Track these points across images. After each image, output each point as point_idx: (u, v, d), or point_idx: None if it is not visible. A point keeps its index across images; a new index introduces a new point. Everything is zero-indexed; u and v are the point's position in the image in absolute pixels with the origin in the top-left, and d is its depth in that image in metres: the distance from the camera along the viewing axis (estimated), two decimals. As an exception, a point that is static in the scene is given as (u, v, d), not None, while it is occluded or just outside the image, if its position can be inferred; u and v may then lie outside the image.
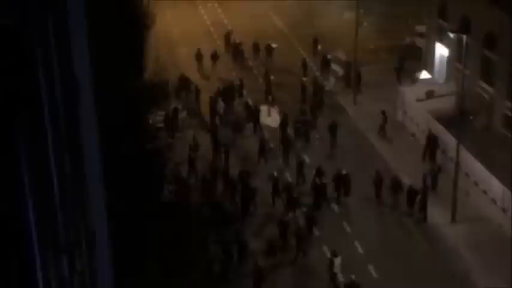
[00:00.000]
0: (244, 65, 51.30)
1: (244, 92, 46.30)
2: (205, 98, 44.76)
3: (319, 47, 52.06)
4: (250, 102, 44.57)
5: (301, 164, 37.29)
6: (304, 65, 49.03)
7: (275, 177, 35.49)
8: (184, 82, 45.93)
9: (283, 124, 41.06)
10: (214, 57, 50.56)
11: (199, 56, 50.82)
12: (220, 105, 43.30)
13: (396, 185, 35.17)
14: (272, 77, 46.75)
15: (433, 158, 38.17)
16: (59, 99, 8.44)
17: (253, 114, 42.35)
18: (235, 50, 52.00)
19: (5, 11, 6.17)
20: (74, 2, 10.71)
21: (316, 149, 40.55)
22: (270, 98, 45.06)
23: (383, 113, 41.25)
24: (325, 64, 48.86)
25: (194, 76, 49.40)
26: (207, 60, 50.91)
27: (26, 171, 7.26)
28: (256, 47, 51.58)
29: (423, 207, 34.16)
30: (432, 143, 38.47)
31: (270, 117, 43.43)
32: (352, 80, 46.14)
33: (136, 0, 33.67)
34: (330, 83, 47.59)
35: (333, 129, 40.57)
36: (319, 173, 35.56)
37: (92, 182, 11.04)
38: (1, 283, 7.68)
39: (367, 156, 39.59)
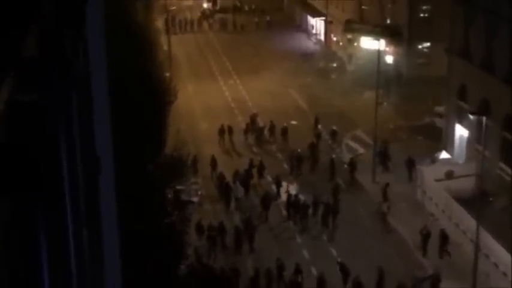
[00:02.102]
0: (265, 146, 51.28)
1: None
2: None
3: (319, 126, 52.27)
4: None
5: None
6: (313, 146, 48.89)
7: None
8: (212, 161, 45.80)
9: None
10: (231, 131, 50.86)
11: (222, 132, 50.99)
12: (239, 189, 42.70)
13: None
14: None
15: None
16: (80, 174, 8.55)
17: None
18: (259, 133, 51.69)
19: (29, 87, 6.33)
20: (98, 79, 10.95)
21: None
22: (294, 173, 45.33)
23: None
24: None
25: (214, 151, 49.82)
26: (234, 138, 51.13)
27: (43, 245, 7.31)
28: (284, 130, 51.29)
29: None
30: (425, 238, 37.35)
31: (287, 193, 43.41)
32: (372, 158, 46.18)
33: (158, 75, 34.21)
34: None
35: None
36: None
37: (110, 257, 11.07)
38: None
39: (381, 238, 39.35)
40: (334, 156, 47.66)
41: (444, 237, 36.43)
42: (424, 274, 34.06)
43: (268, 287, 33.83)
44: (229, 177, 43.57)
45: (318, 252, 37.55)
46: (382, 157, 46.60)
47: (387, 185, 41.67)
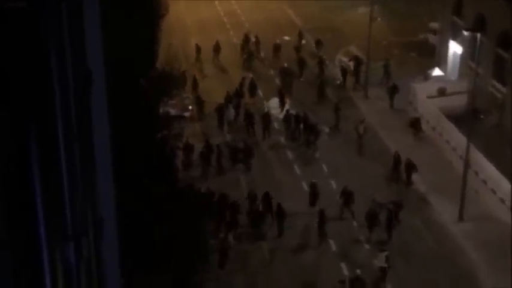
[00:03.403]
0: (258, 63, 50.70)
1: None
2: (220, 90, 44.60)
3: (303, 41, 52.15)
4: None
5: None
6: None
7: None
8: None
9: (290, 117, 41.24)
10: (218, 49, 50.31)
11: (216, 48, 50.36)
12: (230, 112, 42.38)
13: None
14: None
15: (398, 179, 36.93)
16: (71, 86, 8.43)
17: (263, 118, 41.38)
18: (248, 53, 50.65)
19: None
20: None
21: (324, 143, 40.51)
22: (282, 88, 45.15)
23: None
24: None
25: (205, 65, 49.44)
26: (224, 52, 50.50)
27: (35, 159, 7.27)
28: (276, 47, 50.68)
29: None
30: (396, 164, 37.10)
31: (279, 109, 43.40)
32: (365, 75, 46.04)
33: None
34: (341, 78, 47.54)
35: (337, 111, 41.60)
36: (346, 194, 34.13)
37: (102, 170, 11.05)
38: (7, 268, 7.71)
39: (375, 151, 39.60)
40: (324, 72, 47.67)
41: (411, 166, 36.33)
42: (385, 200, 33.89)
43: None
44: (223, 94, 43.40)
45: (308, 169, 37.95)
46: (386, 74, 46.36)
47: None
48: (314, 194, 34.10)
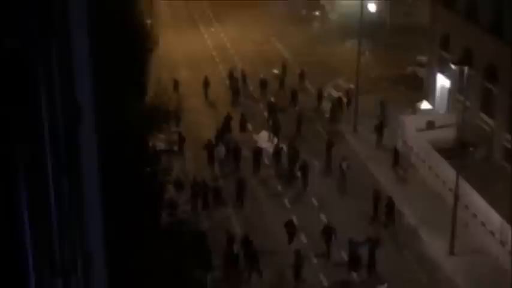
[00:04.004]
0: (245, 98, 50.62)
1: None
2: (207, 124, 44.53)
3: (306, 81, 52.22)
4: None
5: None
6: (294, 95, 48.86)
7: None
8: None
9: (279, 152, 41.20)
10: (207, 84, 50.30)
11: (206, 83, 50.32)
12: (221, 149, 41.87)
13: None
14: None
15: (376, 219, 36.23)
16: (60, 120, 8.40)
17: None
18: (235, 89, 50.46)
19: (7, 32, 6.14)
20: (77, 23, 10.71)
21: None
22: (270, 122, 45.10)
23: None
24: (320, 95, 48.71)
25: (193, 100, 49.48)
26: (213, 87, 50.46)
27: (23, 191, 7.19)
28: (263, 82, 50.59)
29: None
30: (376, 201, 36.42)
31: (269, 143, 43.39)
32: (353, 108, 46.17)
33: (139, 22, 33.76)
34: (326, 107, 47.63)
35: (329, 148, 41.26)
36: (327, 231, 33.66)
37: (90, 204, 10.99)
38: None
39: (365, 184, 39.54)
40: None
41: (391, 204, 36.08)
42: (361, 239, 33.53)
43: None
44: (212, 129, 43.28)
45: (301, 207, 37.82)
46: (382, 111, 46.22)
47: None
48: (291, 233, 33.84)
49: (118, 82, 21.86)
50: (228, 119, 44.28)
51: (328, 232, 33.30)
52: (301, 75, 51.98)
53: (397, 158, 40.85)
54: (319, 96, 48.37)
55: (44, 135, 7.49)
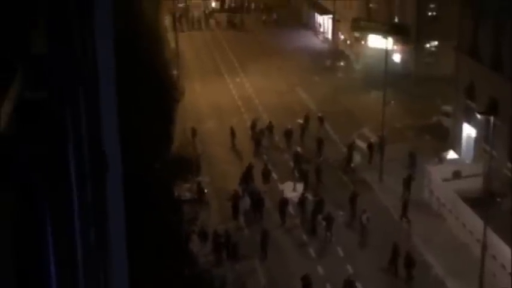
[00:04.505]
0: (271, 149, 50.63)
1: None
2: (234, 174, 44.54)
3: (325, 125, 52.51)
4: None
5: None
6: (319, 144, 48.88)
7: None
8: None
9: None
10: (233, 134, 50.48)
11: (232, 134, 50.49)
12: (246, 200, 41.67)
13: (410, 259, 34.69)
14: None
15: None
16: (87, 172, 8.50)
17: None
18: (257, 140, 50.53)
19: (38, 84, 6.29)
20: (105, 75, 10.90)
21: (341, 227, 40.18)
22: (296, 172, 45.10)
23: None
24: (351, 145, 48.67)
25: (219, 150, 49.65)
26: (238, 137, 50.65)
27: (50, 242, 7.26)
28: (287, 132, 50.61)
29: None
30: (395, 255, 35.69)
31: (295, 192, 43.33)
32: (380, 157, 46.04)
33: (166, 73, 34.19)
34: (356, 160, 47.62)
35: (353, 198, 40.82)
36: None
37: (116, 252, 11.03)
38: None
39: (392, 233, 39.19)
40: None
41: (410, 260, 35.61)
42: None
43: None
44: (237, 179, 43.33)
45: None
46: (411, 162, 45.92)
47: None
48: (306, 286, 33.53)
49: (144, 131, 22.08)
50: (249, 169, 44.26)
51: (348, 286, 33.01)
52: (321, 121, 52.12)
53: (405, 210, 40.40)
54: (349, 147, 48.21)
55: (71, 184, 7.59)
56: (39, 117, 5.89)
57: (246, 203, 41.70)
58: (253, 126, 51.87)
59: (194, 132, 49.44)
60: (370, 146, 47.51)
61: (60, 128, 6.60)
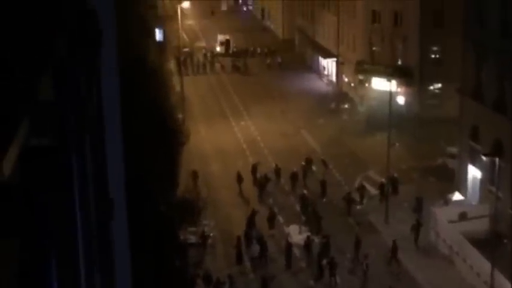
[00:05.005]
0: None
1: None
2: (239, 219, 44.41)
3: (330, 167, 52.51)
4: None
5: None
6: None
7: None
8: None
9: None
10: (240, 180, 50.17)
11: (239, 178, 50.25)
12: (254, 247, 41.45)
13: None
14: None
15: None
16: (93, 218, 8.51)
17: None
18: (260, 185, 50.24)
19: (44, 131, 6.32)
20: (111, 120, 10.97)
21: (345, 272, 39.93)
22: (302, 216, 45.00)
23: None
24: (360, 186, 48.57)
25: (225, 193, 49.59)
26: (245, 181, 50.45)
27: (54, 284, 7.25)
28: (293, 175, 50.49)
29: None
30: None
31: (301, 235, 43.16)
32: (384, 199, 45.95)
33: (171, 116, 34.33)
34: (363, 203, 47.52)
35: (357, 244, 40.56)
36: None
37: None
38: None
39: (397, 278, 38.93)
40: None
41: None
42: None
43: None
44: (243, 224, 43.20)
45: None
46: (418, 206, 45.64)
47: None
48: None
49: (150, 175, 22.10)
50: (253, 214, 43.98)
51: None
52: (324, 164, 52.26)
53: (394, 253, 40.14)
54: (359, 189, 48.09)
55: (76, 230, 7.60)
56: (44, 165, 5.92)
57: (254, 249, 41.45)
58: (253, 171, 51.66)
59: (196, 175, 49.32)
60: (382, 187, 47.33)
61: (65, 176, 6.63)
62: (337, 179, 51.53)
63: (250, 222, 43.49)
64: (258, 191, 49.79)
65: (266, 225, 43.83)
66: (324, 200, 47.74)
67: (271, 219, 44.42)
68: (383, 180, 47.79)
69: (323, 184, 48.85)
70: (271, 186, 50.21)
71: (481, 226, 40.93)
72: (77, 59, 8.11)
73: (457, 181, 48.52)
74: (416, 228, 42.40)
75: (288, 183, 50.56)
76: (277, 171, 51.54)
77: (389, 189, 46.13)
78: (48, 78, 6.82)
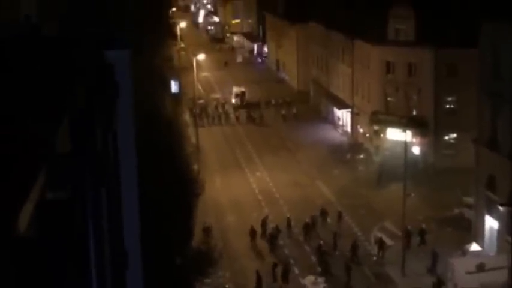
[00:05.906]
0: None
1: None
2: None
3: (345, 218, 52.31)
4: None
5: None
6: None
7: None
8: None
9: None
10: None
11: (252, 233, 49.84)
12: None
13: None
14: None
15: None
16: (108, 270, 8.50)
17: None
18: (270, 238, 49.84)
19: (60, 184, 6.36)
20: (127, 172, 11.01)
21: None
22: (318, 267, 44.68)
23: None
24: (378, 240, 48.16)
25: (240, 246, 49.35)
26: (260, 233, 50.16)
27: None
28: (307, 226, 50.30)
29: None
30: None
31: (317, 286, 42.81)
32: (402, 250, 45.56)
33: (186, 167, 34.41)
34: (380, 255, 47.12)
35: None
36: None
37: None
38: None
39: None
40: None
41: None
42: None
43: None
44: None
45: None
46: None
47: None
48: None
49: (165, 227, 22.08)
50: (258, 275, 43.38)
51: None
52: (339, 215, 52.03)
53: None
54: (379, 243, 47.62)
55: (91, 281, 7.59)
56: (60, 218, 5.95)
57: None
58: (263, 224, 51.27)
59: (209, 230, 48.71)
60: (408, 235, 46.89)
61: (81, 230, 6.65)
62: (353, 229, 51.21)
63: (258, 279, 43.09)
64: (268, 245, 49.30)
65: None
66: (337, 252, 47.34)
67: (285, 273, 43.89)
68: (405, 230, 47.44)
69: (335, 236, 48.46)
70: (283, 238, 49.91)
71: (499, 277, 40.41)
72: (94, 111, 8.20)
73: (474, 231, 48.08)
74: (437, 286, 42.02)
75: (302, 234, 50.27)
76: (289, 223, 51.32)
77: (410, 240, 45.85)
78: (65, 131, 6.89)
